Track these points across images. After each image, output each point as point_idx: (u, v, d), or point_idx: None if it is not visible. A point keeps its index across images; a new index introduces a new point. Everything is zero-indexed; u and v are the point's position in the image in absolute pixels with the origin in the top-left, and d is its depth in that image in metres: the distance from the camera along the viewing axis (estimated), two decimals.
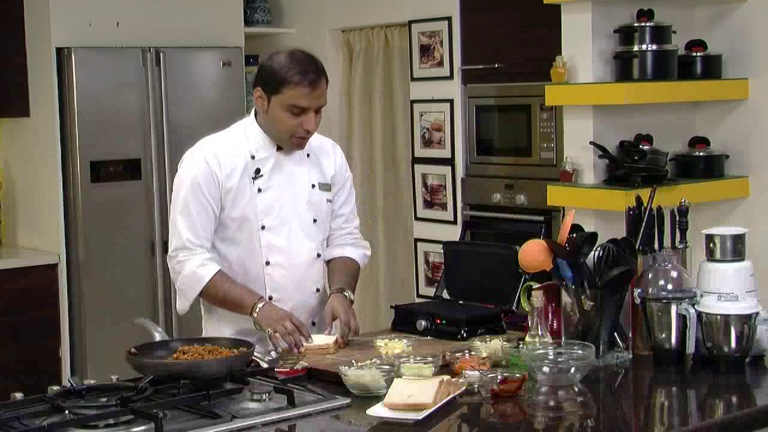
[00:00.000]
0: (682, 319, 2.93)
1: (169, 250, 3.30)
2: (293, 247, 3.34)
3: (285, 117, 3.21)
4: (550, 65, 4.54)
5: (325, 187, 3.41)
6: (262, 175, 3.29)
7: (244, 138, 3.32)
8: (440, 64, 5.55)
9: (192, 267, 3.23)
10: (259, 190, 3.29)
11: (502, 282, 3.40)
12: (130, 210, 5.64)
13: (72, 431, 2.42)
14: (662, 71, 4.41)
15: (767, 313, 2.92)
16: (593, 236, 3.05)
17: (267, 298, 3.28)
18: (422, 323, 3.29)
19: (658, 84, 4.41)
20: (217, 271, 3.24)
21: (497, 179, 5.30)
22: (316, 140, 3.41)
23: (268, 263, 3.31)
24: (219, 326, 3.34)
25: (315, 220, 3.38)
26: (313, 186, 3.38)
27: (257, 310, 3.18)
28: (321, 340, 3.15)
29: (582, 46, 4.48)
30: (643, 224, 3.12)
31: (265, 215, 3.30)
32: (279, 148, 3.32)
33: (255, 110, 3.34)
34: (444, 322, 3.26)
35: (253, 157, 3.29)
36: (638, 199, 3.21)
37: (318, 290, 3.41)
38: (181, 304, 3.31)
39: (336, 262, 3.46)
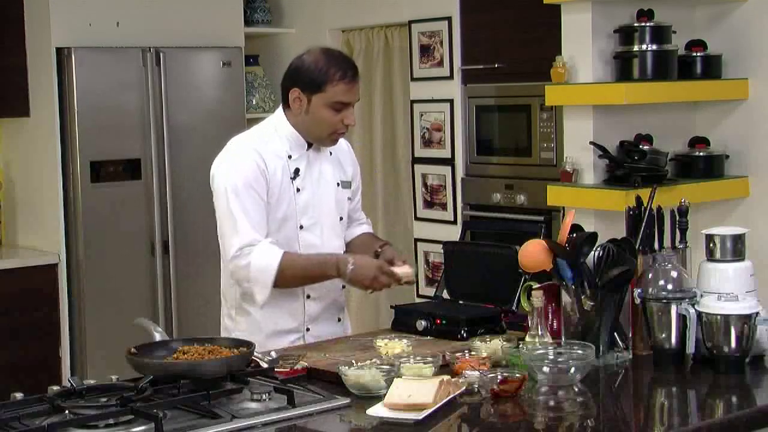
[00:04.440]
0: (682, 319, 2.93)
1: (232, 251, 3.23)
2: (326, 246, 3.38)
3: (328, 114, 3.25)
4: (550, 65, 4.53)
5: (346, 184, 3.47)
6: (299, 175, 3.33)
7: (277, 137, 3.33)
8: (440, 64, 5.55)
9: (260, 252, 3.21)
10: (298, 190, 3.32)
11: (502, 282, 3.40)
12: (130, 210, 5.64)
13: (72, 431, 2.42)
14: (662, 71, 4.41)
15: (767, 313, 2.92)
16: (593, 236, 3.05)
17: (305, 297, 3.35)
18: (422, 323, 3.29)
19: (658, 84, 4.41)
20: (284, 252, 3.23)
21: (497, 179, 5.30)
22: None
23: None
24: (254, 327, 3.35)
25: (341, 218, 3.45)
26: (338, 184, 3.44)
27: (349, 270, 3.20)
28: (403, 270, 3.26)
29: (582, 46, 4.48)
30: (643, 224, 3.12)
31: (303, 215, 3.34)
32: (308, 147, 3.35)
33: (283, 110, 3.35)
34: (444, 322, 3.26)
35: (290, 157, 3.32)
36: (638, 199, 3.21)
37: (344, 287, 3.47)
38: (261, 295, 3.25)
39: (364, 235, 3.56)
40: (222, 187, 3.30)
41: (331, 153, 3.43)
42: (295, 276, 3.25)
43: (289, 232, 3.32)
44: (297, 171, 3.32)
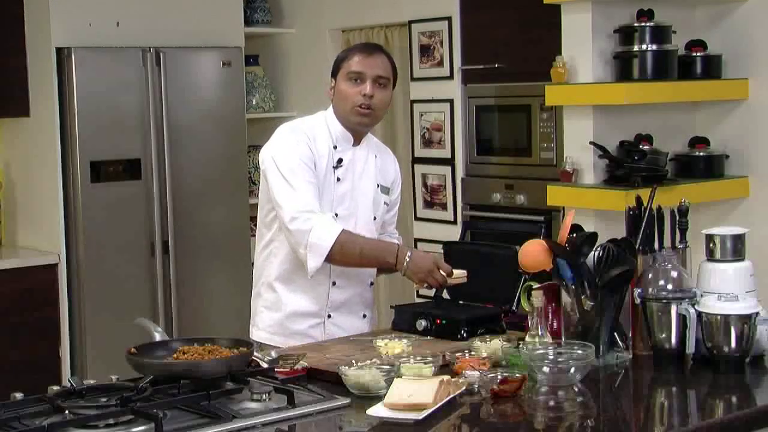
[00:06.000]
0: (682, 319, 2.93)
1: (291, 212, 3.27)
2: None
3: (346, 88, 3.38)
4: (550, 65, 4.54)
5: (385, 190, 3.56)
6: (342, 166, 3.41)
7: (326, 128, 3.43)
8: (440, 64, 5.55)
9: (321, 222, 3.26)
10: (338, 180, 3.41)
11: (502, 282, 3.40)
12: (130, 210, 5.64)
13: (72, 431, 2.42)
14: (662, 71, 4.41)
15: (767, 313, 2.92)
16: (593, 236, 3.05)
17: (330, 283, 3.40)
18: (422, 323, 3.29)
19: (658, 84, 4.42)
20: (344, 229, 3.30)
21: (497, 179, 5.30)
22: (382, 146, 3.61)
23: None
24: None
25: (375, 218, 3.51)
26: (378, 186, 3.52)
27: (407, 261, 3.28)
28: (457, 271, 3.31)
29: (582, 46, 4.48)
30: (643, 224, 3.12)
31: (339, 204, 3.41)
32: (354, 144, 3.44)
33: (332, 105, 3.47)
34: (444, 322, 3.26)
35: (335, 147, 3.41)
36: (638, 199, 3.21)
37: (372, 284, 3.54)
38: (313, 262, 3.27)
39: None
40: (276, 163, 3.34)
41: (376, 156, 3.52)
42: (351, 253, 3.29)
43: None
44: (340, 161, 3.41)
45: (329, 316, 3.44)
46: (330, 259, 3.27)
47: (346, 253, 3.28)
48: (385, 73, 3.40)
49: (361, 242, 3.32)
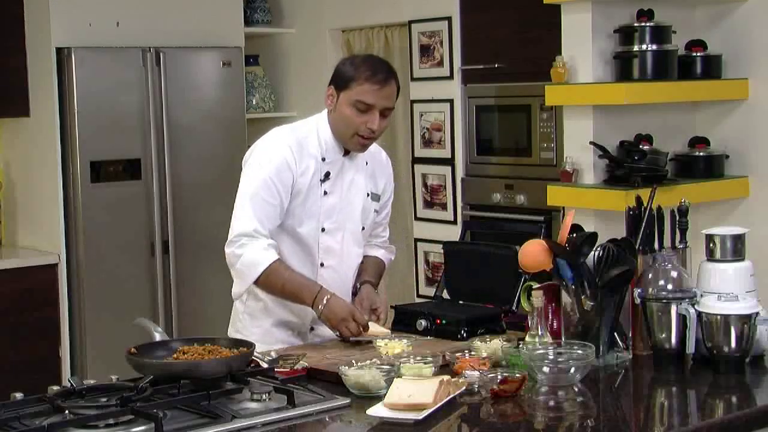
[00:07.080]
0: (682, 319, 2.93)
1: (231, 235, 3.25)
2: (345, 252, 3.39)
3: (351, 114, 3.23)
4: (550, 65, 4.54)
5: (375, 197, 3.47)
6: (330, 179, 3.32)
7: (316, 137, 3.33)
8: (440, 64, 5.55)
9: (254, 250, 3.22)
10: (325, 193, 3.32)
11: (502, 282, 3.40)
12: (130, 210, 5.64)
13: (72, 431, 2.42)
14: (662, 71, 4.41)
15: (767, 313, 2.92)
16: (593, 236, 3.05)
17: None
18: (422, 323, 3.29)
19: (658, 84, 4.42)
20: (277, 258, 3.23)
21: (497, 179, 5.30)
22: (375, 149, 3.47)
23: (322, 265, 3.36)
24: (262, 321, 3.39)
25: (363, 228, 3.44)
26: (368, 195, 3.43)
27: (322, 305, 3.19)
28: (376, 329, 3.22)
29: (582, 46, 4.48)
30: (643, 224, 3.12)
31: (327, 218, 3.34)
32: (345, 153, 3.35)
33: (327, 111, 3.35)
34: (444, 322, 3.26)
35: (323, 159, 3.32)
36: (638, 199, 3.21)
37: (355, 293, 3.46)
38: (237, 288, 3.30)
39: (368, 259, 3.53)
40: (247, 172, 3.31)
41: (367, 163, 3.43)
42: (275, 285, 3.25)
43: (310, 231, 3.33)
44: (327, 174, 3.32)
45: (312, 329, 3.40)
46: (256, 284, 3.26)
47: (270, 283, 3.24)
48: (392, 103, 3.27)
49: (286, 276, 3.23)
